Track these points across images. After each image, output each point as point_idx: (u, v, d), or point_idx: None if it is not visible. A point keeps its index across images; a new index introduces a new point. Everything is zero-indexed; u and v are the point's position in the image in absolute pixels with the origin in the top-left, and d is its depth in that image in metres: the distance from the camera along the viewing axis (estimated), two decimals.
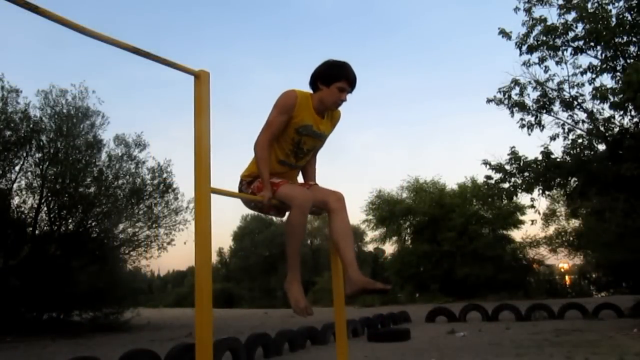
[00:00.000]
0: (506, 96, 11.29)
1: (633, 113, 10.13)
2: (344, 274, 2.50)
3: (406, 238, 28.23)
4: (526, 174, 11.16)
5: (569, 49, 10.94)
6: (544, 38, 10.91)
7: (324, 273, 25.60)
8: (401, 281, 27.07)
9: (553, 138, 11.13)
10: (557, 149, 13.88)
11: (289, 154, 2.64)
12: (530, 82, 11.27)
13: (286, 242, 2.46)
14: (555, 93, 11.17)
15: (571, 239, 23.37)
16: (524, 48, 11.06)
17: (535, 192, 11.39)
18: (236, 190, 2.62)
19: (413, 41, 58.53)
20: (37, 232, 13.42)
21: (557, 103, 11.16)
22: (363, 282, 2.36)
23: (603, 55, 10.64)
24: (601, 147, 10.97)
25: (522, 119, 11.27)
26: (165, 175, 14.92)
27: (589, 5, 10.50)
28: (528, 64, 11.18)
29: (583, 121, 11.09)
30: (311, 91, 2.66)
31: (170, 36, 63.73)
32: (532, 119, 11.23)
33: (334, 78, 2.58)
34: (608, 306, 12.06)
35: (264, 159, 2.50)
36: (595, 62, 10.76)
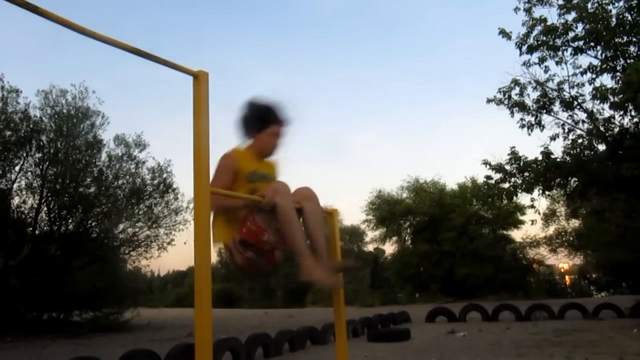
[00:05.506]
0: (506, 96, 11.32)
1: (633, 113, 10.14)
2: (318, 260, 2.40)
3: (406, 238, 28.26)
4: (526, 174, 11.18)
5: (569, 49, 10.97)
6: (544, 38, 10.93)
7: None
8: (401, 281, 27.09)
9: (553, 138, 11.17)
10: (557, 149, 13.91)
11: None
12: (530, 82, 11.32)
13: (287, 235, 2.32)
14: (555, 93, 11.19)
15: (571, 239, 23.41)
16: (524, 48, 11.09)
17: (535, 192, 11.43)
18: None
19: (413, 41, 58.52)
20: (37, 232, 13.40)
21: (557, 103, 11.18)
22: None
23: (603, 55, 10.66)
24: (601, 147, 11.00)
25: (522, 119, 11.30)
26: (165, 175, 14.91)
27: (589, 5, 10.52)
28: (528, 64, 11.22)
29: (583, 121, 11.12)
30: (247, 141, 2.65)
31: (170, 36, 63.74)
32: (532, 119, 11.26)
33: (263, 124, 2.59)
34: (608, 306, 12.06)
35: (226, 199, 2.41)
36: (595, 62, 10.80)
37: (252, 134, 2.63)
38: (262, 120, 2.59)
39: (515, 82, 11.29)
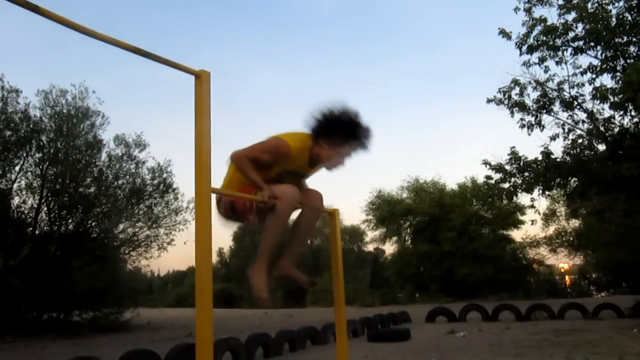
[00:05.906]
0: (506, 96, 11.32)
1: (633, 113, 10.14)
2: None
3: (406, 238, 28.26)
4: (526, 174, 11.17)
5: (569, 49, 10.97)
6: (544, 38, 10.93)
7: (324, 273, 25.59)
8: (401, 281, 27.07)
9: (553, 138, 11.17)
10: (557, 149, 13.90)
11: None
12: (530, 82, 11.32)
13: (266, 233, 2.38)
14: (555, 93, 11.19)
15: (571, 239, 23.39)
16: (524, 48, 11.09)
17: (535, 192, 11.42)
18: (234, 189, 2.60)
19: (413, 41, 58.54)
20: (37, 232, 13.39)
21: (557, 103, 11.18)
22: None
23: (603, 55, 10.66)
24: (601, 147, 11.00)
25: (522, 119, 11.30)
26: (165, 175, 14.90)
27: (589, 5, 10.52)
28: (528, 64, 11.22)
29: (583, 121, 11.12)
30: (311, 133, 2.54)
31: (170, 36, 63.73)
32: (532, 119, 11.26)
33: (335, 137, 2.48)
34: (608, 306, 12.06)
35: (250, 168, 2.41)
36: (595, 62, 10.80)
37: (320, 139, 2.51)
38: (336, 133, 2.47)
39: (515, 82, 11.29)
